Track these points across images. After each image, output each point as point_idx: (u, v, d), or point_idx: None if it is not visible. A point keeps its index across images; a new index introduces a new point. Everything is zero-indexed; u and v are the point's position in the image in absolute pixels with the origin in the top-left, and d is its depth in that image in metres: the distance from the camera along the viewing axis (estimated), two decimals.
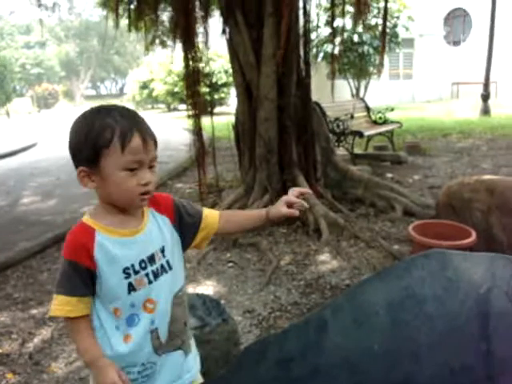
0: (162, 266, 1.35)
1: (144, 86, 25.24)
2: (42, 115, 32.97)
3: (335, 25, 14.78)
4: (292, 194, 1.48)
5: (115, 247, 1.29)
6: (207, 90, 19.12)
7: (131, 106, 29.23)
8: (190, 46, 5.21)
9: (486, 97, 13.75)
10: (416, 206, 5.04)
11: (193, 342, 1.51)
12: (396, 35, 16.23)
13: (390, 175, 6.83)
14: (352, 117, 7.68)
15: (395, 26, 15.84)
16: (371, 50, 15.72)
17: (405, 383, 1.36)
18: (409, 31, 16.14)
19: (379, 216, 5.00)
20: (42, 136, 16.79)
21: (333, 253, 4.17)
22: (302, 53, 5.26)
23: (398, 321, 1.42)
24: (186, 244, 1.46)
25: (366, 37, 15.46)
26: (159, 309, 1.34)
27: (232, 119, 5.65)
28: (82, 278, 1.27)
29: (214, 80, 19.65)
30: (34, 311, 3.64)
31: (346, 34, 15.62)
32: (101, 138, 1.22)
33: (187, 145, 5.83)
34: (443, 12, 21.29)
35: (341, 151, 8.04)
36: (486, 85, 13.71)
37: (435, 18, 20.70)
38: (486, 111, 13.65)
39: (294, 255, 4.21)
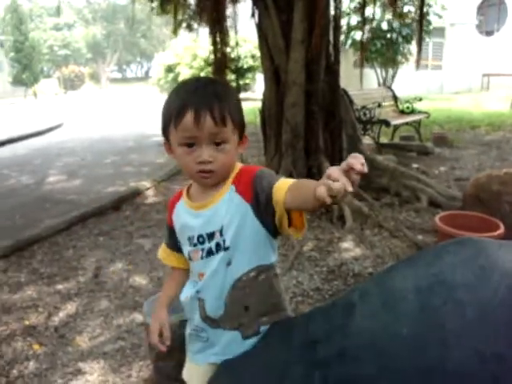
0: (217, 244, 1.35)
1: (169, 70, 25.27)
2: (68, 97, 33.36)
3: (365, 12, 14.60)
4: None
5: (184, 216, 1.41)
6: (233, 75, 19.13)
7: (156, 89, 29.42)
8: (218, 30, 5.19)
9: None
10: (442, 197, 4.98)
11: (264, 330, 1.56)
12: (428, 23, 15.94)
13: (415, 166, 6.75)
14: (379, 105, 7.58)
15: (427, 14, 15.53)
16: (400, 39, 15.48)
17: (432, 369, 1.34)
18: (442, 19, 15.81)
19: (404, 206, 4.95)
20: (68, 117, 17.01)
21: (356, 241, 4.15)
22: (331, 38, 5.20)
23: (427, 306, 1.40)
24: (271, 225, 1.33)
25: (395, 24, 15.22)
26: (206, 284, 1.40)
27: (257, 105, 5.63)
28: (170, 233, 1.49)
29: (239, 65, 19.58)
30: (59, 286, 3.72)
31: (374, 22, 15.42)
32: (167, 114, 1.29)
33: None
34: (477, 0, 20.77)
35: (367, 140, 7.96)
36: None
37: (468, 7, 20.22)
38: None
39: (317, 241, 4.20)
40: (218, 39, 5.07)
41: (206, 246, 1.36)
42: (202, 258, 1.38)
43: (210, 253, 1.37)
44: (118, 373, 2.63)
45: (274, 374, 1.53)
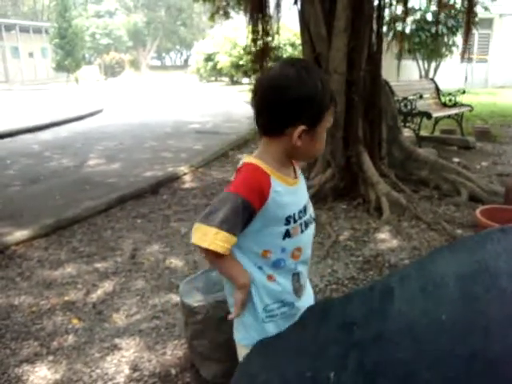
0: (310, 215, 1.52)
1: (208, 59, 25.41)
2: (109, 83, 33.91)
3: (409, 2, 14.28)
4: None
5: (286, 195, 1.39)
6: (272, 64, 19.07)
7: (195, 77, 29.62)
8: (259, 17, 5.17)
9: None
10: (483, 191, 4.86)
11: None
12: (474, 15, 15.45)
13: (456, 160, 6.60)
14: (421, 97, 7.43)
15: (475, 4, 15.05)
16: (445, 30, 15.08)
17: (472, 357, 1.32)
18: (488, 11, 15.32)
19: (443, 199, 4.86)
20: (108, 103, 17.30)
21: (393, 232, 4.10)
22: (374, 27, 5.13)
23: (469, 293, 1.38)
24: None
25: (441, 16, 14.82)
26: (304, 256, 1.51)
27: None
28: (244, 219, 1.34)
29: (279, 54, 19.50)
30: (97, 265, 3.81)
31: (419, 13, 15.06)
32: (325, 99, 1.32)
33: (249, 117, 5.84)
34: None
35: (406, 132, 7.83)
36: None
37: None
38: None
39: (353, 231, 4.17)
40: (259, 27, 5.04)
41: (303, 219, 1.46)
42: (301, 231, 1.46)
43: (306, 225, 1.48)
44: (152, 350, 2.68)
45: (309, 354, 1.53)
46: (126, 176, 6.56)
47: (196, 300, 2.34)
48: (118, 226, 4.67)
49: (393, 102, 5.93)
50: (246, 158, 1.42)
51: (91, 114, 14.21)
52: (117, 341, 2.79)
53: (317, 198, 4.61)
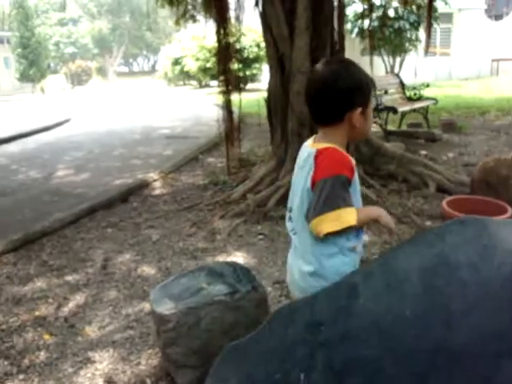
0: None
1: (176, 63, 25.25)
2: (76, 92, 33.44)
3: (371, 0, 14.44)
4: None
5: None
6: (239, 66, 19.04)
7: (163, 82, 29.42)
8: (222, 20, 5.16)
9: None
10: (450, 182, 4.94)
11: None
12: (434, 9, 15.74)
13: (423, 152, 6.70)
14: (386, 92, 7.53)
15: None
16: (407, 26, 15.31)
17: (436, 349, 1.34)
18: (448, 5, 15.62)
19: (412, 192, 4.92)
20: (76, 112, 17.06)
21: (363, 227, 4.13)
22: (336, 26, 5.17)
23: (431, 287, 1.40)
24: None
25: (402, 12, 15.05)
26: None
27: (264, 95, 5.61)
28: (348, 191, 1.54)
29: (245, 55, 19.49)
30: (68, 278, 3.75)
31: (381, 9, 15.26)
32: (369, 83, 1.58)
33: (218, 120, 5.85)
34: None
35: (374, 128, 7.91)
36: None
37: None
38: None
39: None
40: (222, 30, 5.03)
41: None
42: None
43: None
44: (127, 361, 2.65)
45: (279, 356, 1.54)
46: (96, 185, 6.47)
47: (167, 308, 2.32)
48: (89, 236, 4.60)
49: None
50: (316, 146, 1.57)
51: (59, 124, 13.99)
52: (90, 354, 2.75)
53: (287, 198, 4.62)
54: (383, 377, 1.39)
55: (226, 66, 5.35)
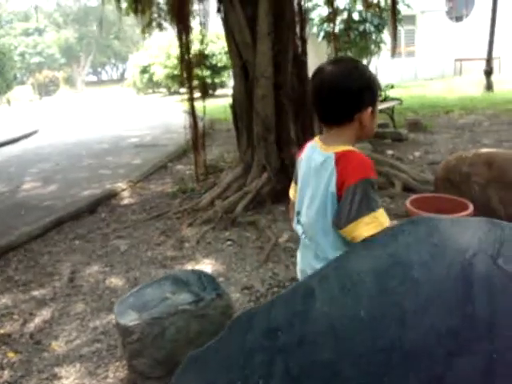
0: None
1: (144, 71, 25.07)
2: (44, 102, 32.91)
3: (335, 3, 14.62)
4: None
5: None
6: (207, 72, 19.01)
7: (132, 91, 29.17)
8: (183, 27, 5.15)
9: (488, 72, 13.58)
10: (415, 181, 5.02)
11: None
12: (398, 12, 16.01)
13: (390, 152, 6.80)
14: None
15: (397, 2, 15.59)
16: (372, 28, 15.55)
17: (391, 349, 1.36)
18: (410, 8, 15.92)
19: (378, 192, 4.94)
20: (44, 123, 16.80)
21: None
22: (298, 30, 5.21)
23: (384, 287, 1.42)
24: None
25: (366, 15, 15.28)
26: None
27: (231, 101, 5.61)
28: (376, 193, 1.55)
29: (214, 62, 19.50)
30: (34, 293, 3.68)
31: (346, 13, 15.46)
32: (376, 82, 1.59)
33: (186, 128, 5.83)
34: None
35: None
36: (489, 60, 13.52)
37: None
38: (488, 87, 13.49)
39: (292, 233, 4.20)
40: (183, 37, 5.01)
41: None
42: None
43: None
44: (94, 375, 2.61)
45: (238, 363, 1.53)
46: (63, 197, 6.37)
47: (131, 319, 2.30)
48: (56, 249, 4.53)
49: None
50: (332, 149, 1.54)
51: (26, 136, 13.75)
52: (56, 370, 2.70)
53: (255, 202, 4.64)
54: (340, 379, 1.40)
55: (190, 73, 5.33)
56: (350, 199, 1.47)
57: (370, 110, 1.54)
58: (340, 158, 1.50)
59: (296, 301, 1.51)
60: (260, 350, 1.51)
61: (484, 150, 4.65)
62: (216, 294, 2.41)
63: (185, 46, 5.06)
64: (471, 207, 3.40)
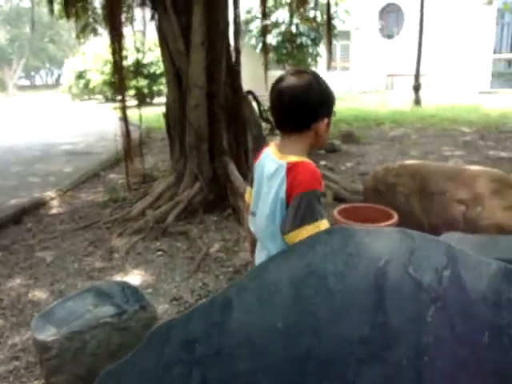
0: None
1: (80, 76, 24.41)
2: None
3: (274, 17, 14.87)
4: None
5: None
6: (145, 81, 18.77)
7: (67, 97, 28.30)
8: (116, 34, 5.05)
9: (417, 88, 14.23)
10: (346, 191, 5.15)
11: None
12: (333, 27, 16.50)
13: (323, 163, 6.95)
14: None
15: (332, 18, 16.06)
16: (309, 42, 15.92)
17: (306, 358, 1.37)
18: (345, 24, 16.44)
19: None
20: None
21: None
22: (232, 41, 5.24)
23: (301, 297, 1.43)
24: None
25: (303, 28, 15.63)
26: None
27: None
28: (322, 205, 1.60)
29: (152, 70, 19.27)
30: None
31: (284, 26, 15.75)
32: (332, 94, 1.66)
33: (118, 136, 5.71)
34: (378, 6, 21.79)
35: (277, 140, 8.08)
36: (417, 76, 14.16)
37: (371, 12, 21.15)
38: (417, 102, 14.12)
39: (224, 242, 4.20)
40: (115, 44, 4.91)
41: None
42: None
43: None
44: None
45: (155, 376, 1.50)
46: None
47: (49, 334, 2.21)
48: None
49: (257, 111, 6.07)
50: (286, 159, 1.61)
51: None
52: None
53: (187, 212, 4.60)
54: None
55: (123, 81, 5.23)
56: (296, 207, 1.54)
57: (326, 120, 1.62)
58: (291, 168, 1.57)
59: (214, 312, 1.49)
60: (178, 362, 1.49)
61: (409, 161, 4.84)
62: (139, 306, 2.36)
63: (118, 52, 4.96)
64: (396, 217, 3.52)
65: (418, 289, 1.36)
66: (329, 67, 11.75)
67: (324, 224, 1.57)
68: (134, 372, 1.55)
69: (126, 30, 6.18)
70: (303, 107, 1.58)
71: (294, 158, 1.59)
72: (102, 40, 19.03)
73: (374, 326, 1.37)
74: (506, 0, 17.02)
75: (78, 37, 9.08)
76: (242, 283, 1.53)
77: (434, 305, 1.34)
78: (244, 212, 2.03)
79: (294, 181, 1.55)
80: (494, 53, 20.60)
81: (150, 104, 18.47)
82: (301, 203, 1.54)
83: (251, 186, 1.85)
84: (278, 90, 1.63)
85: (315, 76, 1.65)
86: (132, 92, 15.12)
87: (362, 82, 21.27)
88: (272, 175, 1.63)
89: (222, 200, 4.80)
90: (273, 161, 1.65)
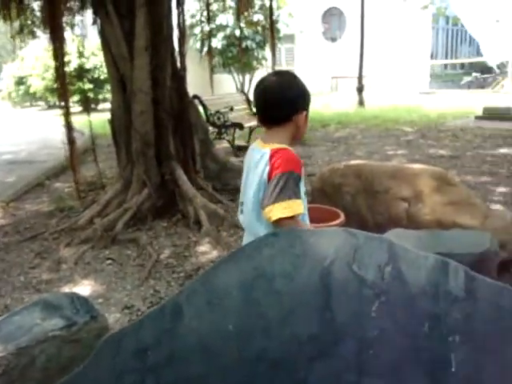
0: None
1: (20, 82, 23.54)
2: None
3: (218, 20, 14.89)
4: None
5: None
6: (89, 86, 18.36)
7: (7, 104, 27.26)
8: (57, 39, 4.93)
9: (360, 90, 14.59)
10: None
11: None
12: (277, 31, 16.71)
13: None
14: (232, 109, 7.77)
15: (276, 22, 16.26)
16: (254, 45, 16.05)
17: (257, 359, 1.40)
18: (289, 27, 16.66)
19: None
20: None
21: (212, 243, 4.20)
22: (176, 45, 5.23)
23: (250, 299, 1.46)
24: None
25: (248, 32, 15.74)
26: None
27: None
28: (298, 187, 1.77)
29: (96, 75, 18.86)
30: None
31: (228, 29, 15.81)
32: (307, 94, 1.90)
33: (66, 143, 5.55)
34: (321, 9, 22.19)
35: (225, 144, 8.12)
36: (360, 78, 14.53)
37: (314, 15, 21.52)
38: (361, 103, 14.48)
39: (174, 248, 4.18)
40: (56, 48, 4.79)
41: None
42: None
43: None
44: None
45: None
46: None
47: None
48: None
49: (203, 116, 6.09)
50: (269, 146, 1.79)
51: None
52: None
53: (136, 219, 4.54)
54: None
55: (65, 86, 5.11)
56: (274, 185, 1.70)
57: (304, 113, 1.84)
58: (274, 154, 1.75)
59: (164, 319, 1.50)
60: (130, 371, 1.48)
61: (354, 161, 4.97)
62: (90, 317, 2.32)
63: (60, 57, 4.84)
64: (343, 216, 3.60)
65: (362, 285, 1.42)
66: (272, 69, 11.90)
67: (297, 204, 1.72)
68: (87, 382, 1.53)
69: (67, 34, 6.04)
70: (284, 101, 1.80)
71: (276, 146, 1.78)
72: (42, 44, 18.49)
73: (321, 323, 1.41)
74: (440, 5, 17.75)
75: (13, 38, 8.75)
76: (192, 288, 1.54)
77: (378, 300, 1.40)
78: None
79: (276, 164, 1.73)
80: (431, 57, 21.46)
81: (95, 110, 18.06)
82: (278, 181, 1.70)
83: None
84: (260, 89, 1.87)
85: (292, 75, 1.94)
86: (76, 98, 14.76)
87: (307, 84, 21.51)
88: (257, 162, 1.81)
89: (170, 205, 4.77)
90: (258, 151, 1.84)
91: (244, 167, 1.98)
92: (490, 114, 11.13)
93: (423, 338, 1.33)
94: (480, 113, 11.51)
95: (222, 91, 13.55)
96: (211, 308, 1.47)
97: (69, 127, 4.97)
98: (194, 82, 11.23)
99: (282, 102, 1.81)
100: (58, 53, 4.80)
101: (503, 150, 7.84)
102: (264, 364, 1.40)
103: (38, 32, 9.03)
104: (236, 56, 15.92)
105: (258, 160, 1.80)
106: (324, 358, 1.38)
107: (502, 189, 5.62)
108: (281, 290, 1.45)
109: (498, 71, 22.67)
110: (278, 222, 1.72)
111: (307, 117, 1.89)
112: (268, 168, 1.75)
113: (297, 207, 1.73)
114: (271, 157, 1.75)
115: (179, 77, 5.11)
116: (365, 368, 1.36)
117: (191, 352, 1.44)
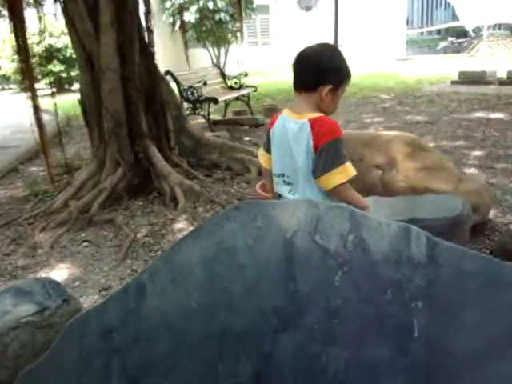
0: None
1: None
2: None
3: None
4: None
5: None
6: (61, 66, 17.97)
7: None
8: (16, 17, 4.78)
9: None
10: None
11: None
12: (251, 2, 16.43)
13: (247, 138, 6.97)
14: (205, 83, 7.65)
15: None
16: (228, 18, 15.75)
17: (222, 334, 1.40)
18: None
19: (235, 179, 5.09)
20: None
21: (189, 220, 4.18)
22: (143, 21, 5.10)
23: (213, 275, 1.45)
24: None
25: (221, 4, 15.44)
26: None
27: None
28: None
29: (67, 55, 18.42)
30: None
31: (201, 2, 15.48)
32: (346, 72, 1.90)
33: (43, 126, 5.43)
34: None
35: (200, 119, 8.03)
36: None
37: None
38: None
39: (150, 227, 4.15)
40: (17, 28, 4.63)
41: None
42: None
43: None
44: None
45: (75, 369, 1.48)
46: None
47: None
48: None
49: (176, 91, 5.99)
50: (305, 117, 1.82)
51: None
52: None
53: (111, 199, 4.49)
54: (178, 371, 1.41)
55: (29, 67, 4.97)
56: (325, 154, 1.77)
57: (328, 87, 1.82)
58: (314, 123, 1.79)
59: (128, 299, 1.48)
60: (96, 353, 1.47)
61: None
62: (62, 301, 2.30)
63: (21, 37, 4.70)
64: None
65: (325, 255, 1.41)
66: (241, 41, 11.68)
67: (349, 166, 1.80)
68: (52, 368, 1.52)
69: (33, 13, 5.86)
70: (315, 68, 1.83)
71: (311, 115, 1.82)
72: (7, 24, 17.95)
73: (285, 295, 1.40)
74: None
75: None
76: (155, 267, 1.52)
77: (341, 269, 1.39)
78: (265, 176, 2.22)
79: (319, 133, 1.78)
80: (407, 23, 21.32)
81: (69, 91, 17.72)
82: (329, 150, 1.76)
83: (268, 152, 2.08)
84: (299, 54, 1.91)
85: (335, 49, 1.96)
86: (48, 80, 14.44)
87: (284, 55, 21.32)
88: (297, 133, 1.84)
89: (146, 184, 4.72)
90: (293, 122, 1.87)
91: (273, 139, 2.00)
92: (466, 79, 11.16)
93: (386, 305, 1.33)
94: (456, 77, 11.52)
95: (197, 65, 13.35)
96: (175, 286, 1.46)
97: (36, 110, 4.84)
98: (168, 57, 11.05)
99: (313, 68, 1.84)
100: (19, 32, 4.65)
101: (478, 114, 7.87)
102: (230, 339, 1.40)
103: (4, 11, 8.75)
104: (210, 29, 15.64)
105: (298, 131, 1.84)
106: (289, 329, 1.37)
107: (476, 152, 5.66)
108: (244, 263, 1.44)
109: (473, 35, 22.70)
110: (334, 189, 1.80)
111: (335, 95, 1.87)
112: (312, 137, 1.80)
113: (351, 169, 1.81)
114: (312, 127, 1.80)
115: (148, 53, 4.99)
116: (330, 338, 1.36)
117: (156, 331, 1.43)
